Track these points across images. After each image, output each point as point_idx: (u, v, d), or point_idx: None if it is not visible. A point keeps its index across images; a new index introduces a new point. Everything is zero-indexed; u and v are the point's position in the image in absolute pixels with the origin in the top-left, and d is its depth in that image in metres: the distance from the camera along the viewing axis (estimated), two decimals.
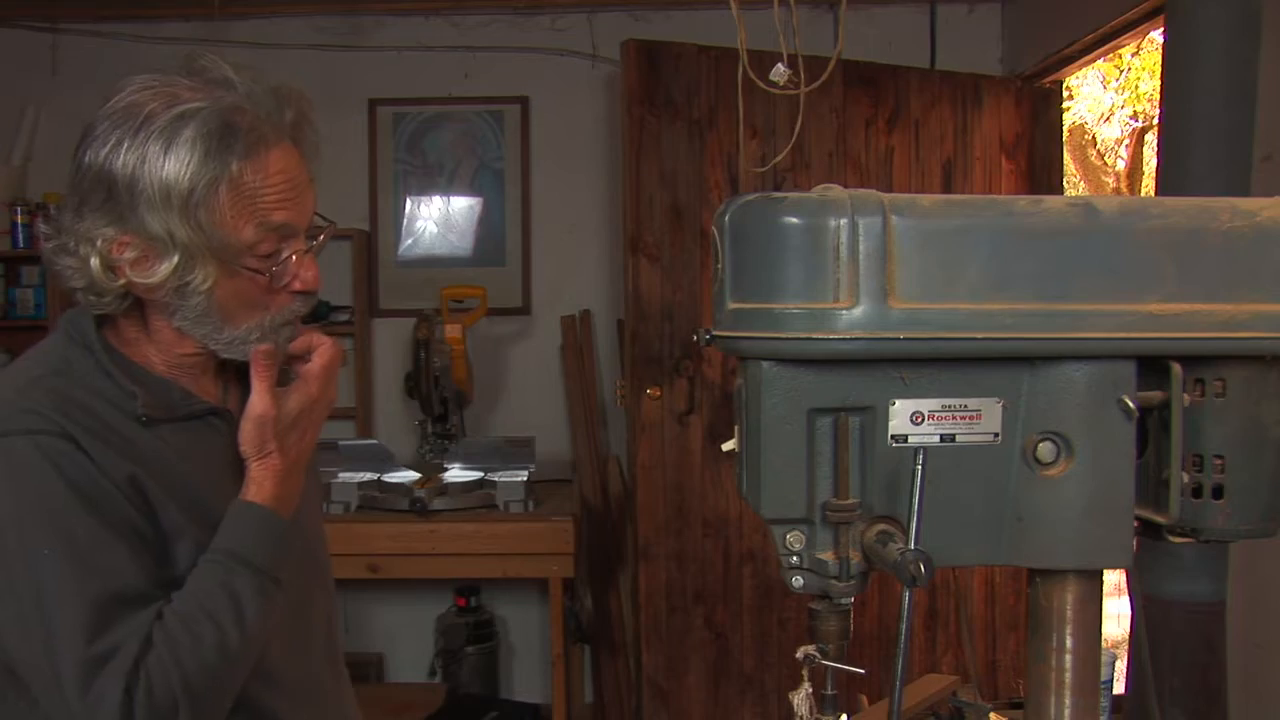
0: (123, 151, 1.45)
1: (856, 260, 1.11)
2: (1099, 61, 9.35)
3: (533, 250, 5.13)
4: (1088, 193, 10.31)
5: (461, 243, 5.12)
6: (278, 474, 1.57)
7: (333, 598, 1.82)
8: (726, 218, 1.18)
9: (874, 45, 4.65)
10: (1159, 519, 1.22)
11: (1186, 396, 1.20)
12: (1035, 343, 1.14)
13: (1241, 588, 2.84)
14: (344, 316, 4.95)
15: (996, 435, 1.19)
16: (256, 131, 1.48)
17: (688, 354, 4.12)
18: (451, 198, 5.10)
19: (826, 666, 1.29)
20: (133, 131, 1.45)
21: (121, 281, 1.49)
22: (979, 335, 1.13)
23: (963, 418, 1.19)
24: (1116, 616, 5.38)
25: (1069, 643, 1.26)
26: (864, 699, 2.87)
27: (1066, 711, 1.27)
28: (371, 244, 5.07)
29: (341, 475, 4.20)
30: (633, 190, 4.11)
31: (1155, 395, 1.20)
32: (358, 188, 5.05)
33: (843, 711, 1.30)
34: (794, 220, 1.12)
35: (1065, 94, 5.12)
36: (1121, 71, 10.00)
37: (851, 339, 1.11)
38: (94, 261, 1.47)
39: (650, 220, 4.10)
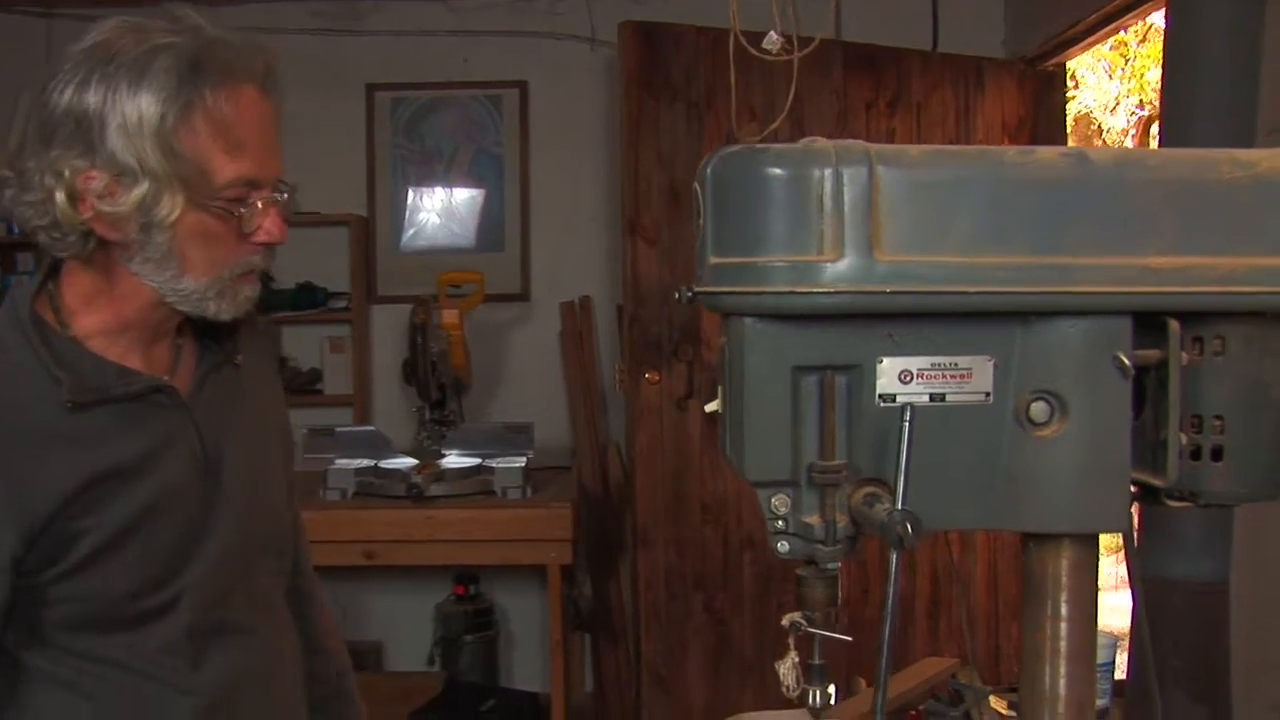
0: (93, 83, 1.43)
1: (841, 211, 1.08)
2: (1105, 50, 9.33)
3: (532, 236, 5.09)
4: None
5: (463, 232, 5.08)
6: None
7: (287, 558, 1.80)
8: (709, 170, 1.15)
9: (875, 27, 4.61)
10: (1156, 482, 1.18)
11: (1184, 355, 1.16)
12: (1027, 297, 1.10)
13: (1245, 569, 2.80)
14: (341, 303, 4.92)
15: (988, 394, 1.15)
16: (230, 67, 1.48)
17: (686, 338, 4.08)
18: (454, 189, 5.07)
19: (813, 635, 1.25)
20: (103, 64, 1.44)
21: (87, 215, 1.45)
22: (969, 289, 1.09)
23: (953, 376, 1.15)
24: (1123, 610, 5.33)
25: (1064, 610, 1.23)
26: (861, 681, 2.84)
27: (1062, 681, 1.24)
28: (369, 230, 5.03)
29: (339, 462, 4.16)
30: (630, 173, 4.07)
31: (1152, 354, 1.16)
32: (355, 173, 5.02)
33: (830, 682, 1.26)
34: (777, 171, 1.09)
35: (1070, 81, 5.08)
36: (1127, 60, 9.96)
37: (836, 293, 1.08)
38: (59, 195, 1.44)
39: (648, 203, 4.07)
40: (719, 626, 4.21)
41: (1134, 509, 1.24)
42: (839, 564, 1.19)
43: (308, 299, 4.91)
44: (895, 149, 1.11)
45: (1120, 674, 2.90)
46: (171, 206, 1.44)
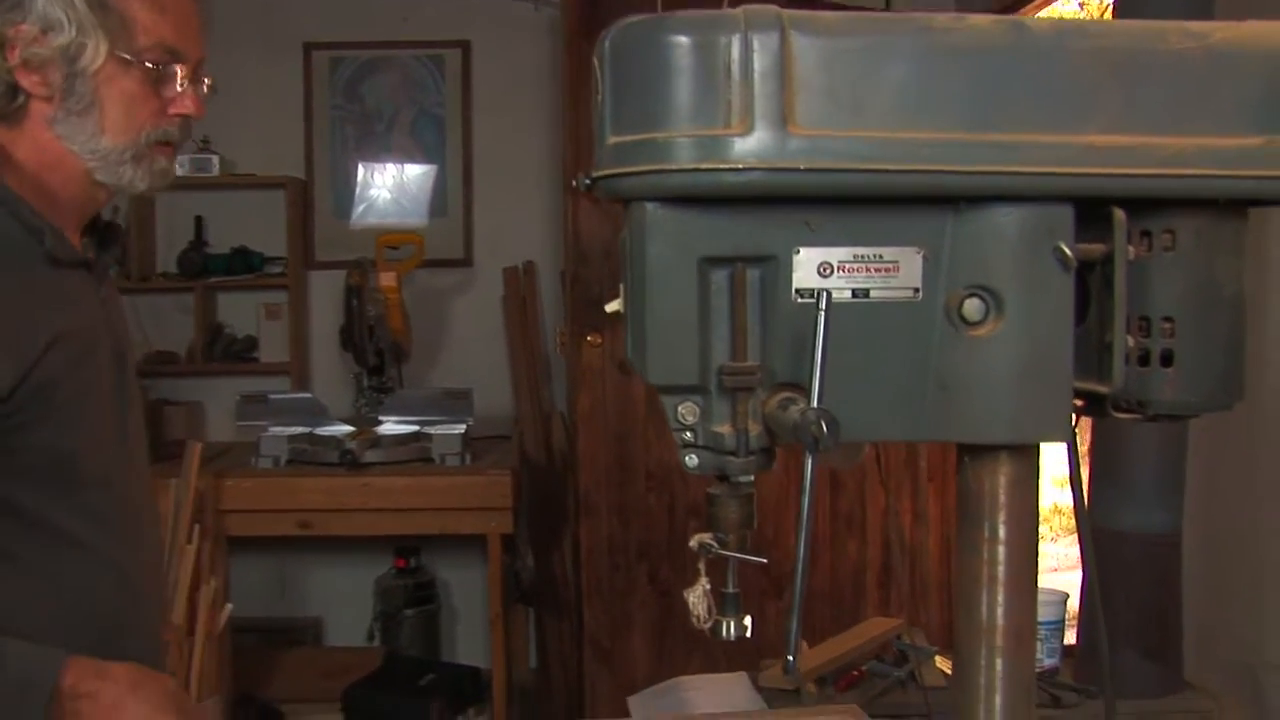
0: None
1: (750, 81, 0.97)
2: (1066, 13, 9.28)
3: (475, 200, 4.96)
4: None
5: (415, 208, 4.95)
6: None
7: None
8: (607, 43, 1.04)
9: None
10: (1101, 389, 1.08)
11: (1131, 249, 1.07)
12: (957, 178, 1.00)
13: (1197, 522, 2.71)
14: (278, 269, 4.78)
15: (916, 290, 1.05)
16: None
17: None
18: (405, 165, 4.94)
19: (728, 560, 1.14)
20: None
21: (14, 63, 1.52)
22: (892, 167, 0.99)
23: (877, 270, 1.05)
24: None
25: (1001, 531, 1.12)
26: (804, 644, 2.75)
27: (999, 609, 1.14)
28: (307, 193, 4.89)
29: (272, 429, 4.04)
30: (572, 129, 3.95)
31: (1096, 248, 1.06)
32: (292, 135, 4.87)
33: (746, 614, 1.15)
34: (680, 39, 0.99)
35: None
36: None
37: (745, 169, 0.97)
38: None
39: (590, 160, 3.93)
40: (663, 598, 4.11)
41: (1081, 427, 1.14)
42: (753, 478, 1.08)
43: (243, 263, 4.77)
44: (810, 14, 1.01)
45: (1070, 639, 2.82)
46: (95, 55, 1.53)
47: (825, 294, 0.97)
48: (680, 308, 1.04)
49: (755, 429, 1.05)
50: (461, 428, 4.05)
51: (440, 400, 4.21)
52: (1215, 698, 2.55)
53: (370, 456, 3.90)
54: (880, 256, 1.04)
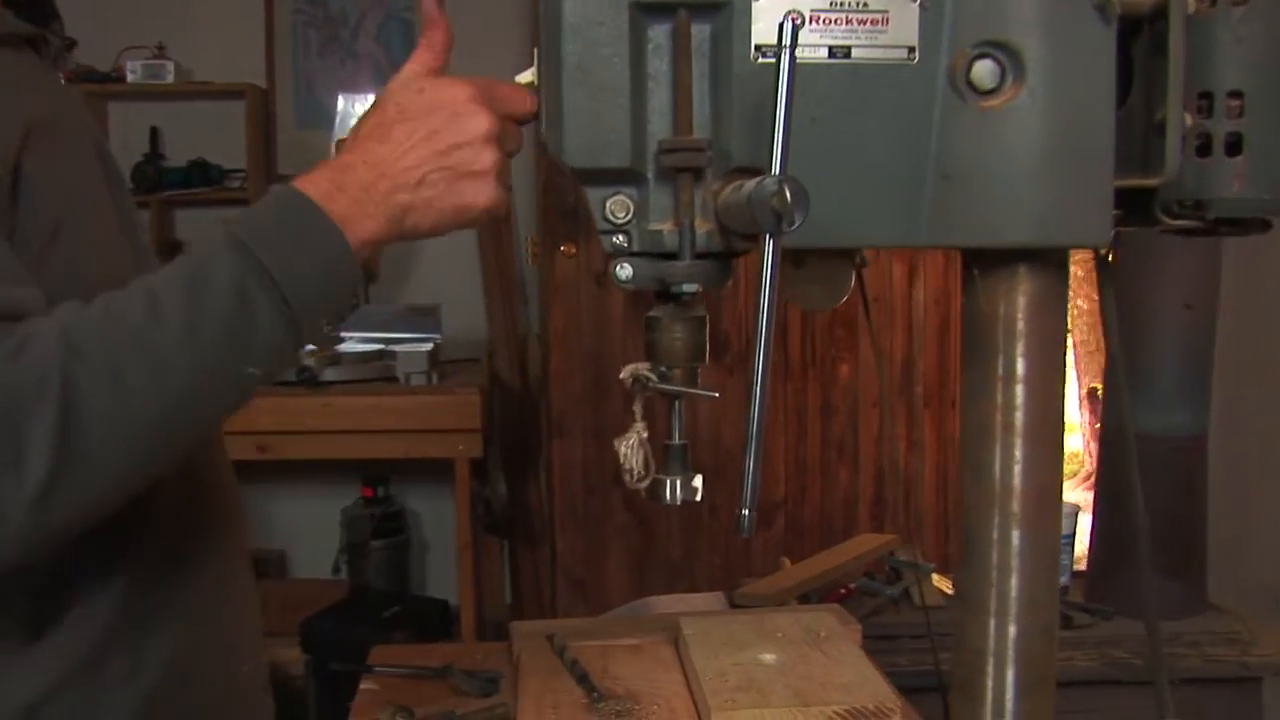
0: None
1: None
2: None
3: None
4: None
5: None
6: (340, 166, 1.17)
7: None
8: None
9: None
10: (1149, 183, 0.84)
11: (1192, 2, 0.83)
12: None
13: (1223, 427, 2.47)
14: (238, 182, 4.53)
15: (912, 50, 0.82)
16: None
17: None
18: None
19: (672, 401, 0.91)
20: None
21: None
22: None
23: (862, 22, 0.81)
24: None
25: (1020, 367, 0.89)
26: (786, 561, 2.54)
27: (1017, 467, 0.90)
28: (268, 102, 4.63)
29: None
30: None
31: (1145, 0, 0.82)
32: (252, 41, 4.59)
33: (696, 473, 0.93)
34: None
35: None
36: None
37: None
38: None
39: None
40: (642, 525, 3.89)
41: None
42: (699, 290, 0.84)
43: (201, 176, 4.51)
44: None
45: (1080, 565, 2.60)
46: None
47: (790, 29, 0.73)
48: (607, 69, 0.81)
49: (704, 226, 0.81)
50: (428, 345, 3.83)
51: (406, 316, 3.98)
52: (1243, 620, 2.33)
53: (330, 375, 3.67)
54: (865, 4, 0.81)
